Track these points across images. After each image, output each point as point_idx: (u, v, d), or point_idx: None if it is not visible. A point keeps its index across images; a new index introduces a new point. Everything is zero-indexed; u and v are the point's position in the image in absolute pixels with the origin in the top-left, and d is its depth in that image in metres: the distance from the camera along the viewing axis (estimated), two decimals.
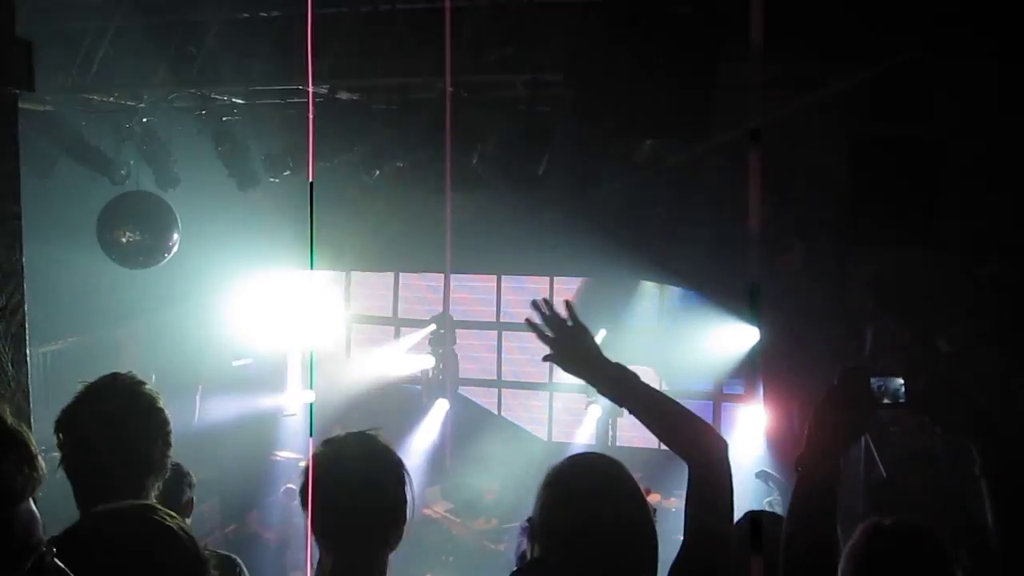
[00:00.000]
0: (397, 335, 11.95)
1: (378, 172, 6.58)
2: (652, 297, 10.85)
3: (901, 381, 2.08)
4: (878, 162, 7.87)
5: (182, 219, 7.92)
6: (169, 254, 7.62)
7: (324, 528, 2.45)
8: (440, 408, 11.05)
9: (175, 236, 7.54)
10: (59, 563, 1.52)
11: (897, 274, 8.22)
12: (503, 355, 11.67)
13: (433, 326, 11.61)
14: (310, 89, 6.51)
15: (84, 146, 7.31)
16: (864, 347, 8.43)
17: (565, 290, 11.35)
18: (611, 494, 2.33)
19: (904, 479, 6.20)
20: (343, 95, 6.49)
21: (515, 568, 2.46)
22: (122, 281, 9.21)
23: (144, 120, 7.10)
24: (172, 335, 10.44)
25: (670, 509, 10.37)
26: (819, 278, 8.66)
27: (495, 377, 11.69)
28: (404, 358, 11.67)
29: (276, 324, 11.53)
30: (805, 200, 8.16)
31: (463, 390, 11.58)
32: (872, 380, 2.07)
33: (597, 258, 9.57)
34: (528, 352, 11.51)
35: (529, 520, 2.40)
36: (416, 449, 10.55)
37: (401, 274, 11.84)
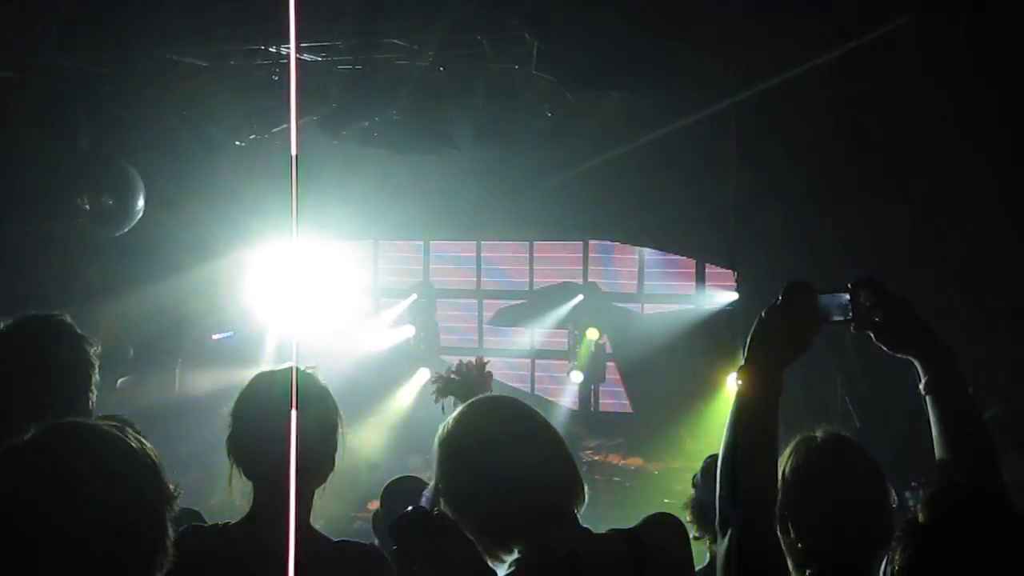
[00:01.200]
0: (377, 305, 11.90)
1: (344, 133, 6.50)
2: (631, 261, 10.78)
3: (847, 297, 2.02)
4: (852, 122, 7.85)
5: (152, 188, 7.83)
6: (134, 220, 7.55)
7: (245, 464, 2.43)
8: (421, 377, 11.00)
9: (140, 202, 7.46)
10: None
11: (873, 232, 8.19)
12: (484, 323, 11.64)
13: (414, 295, 11.56)
14: (292, 54, 6.42)
15: (45, 113, 7.21)
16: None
17: (546, 257, 11.30)
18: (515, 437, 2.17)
19: (876, 428, 6.25)
20: (305, 56, 6.41)
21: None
22: (96, 253, 9.13)
23: (106, 86, 7.01)
24: (149, 309, 10.37)
25: (653, 472, 10.41)
26: (796, 239, 8.62)
27: (476, 345, 11.64)
28: (385, 328, 11.62)
29: (256, 297, 11.47)
30: (781, 161, 8.11)
31: (444, 358, 11.52)
32: (820, 297, 2.01)
33: (576, 222, 9.53)
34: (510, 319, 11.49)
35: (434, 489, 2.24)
36: (397, 418, 10.52)
37: (380, 243, 11.77)
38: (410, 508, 1.75)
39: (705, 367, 9.16)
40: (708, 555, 3.30)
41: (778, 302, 1.95)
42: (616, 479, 9.63)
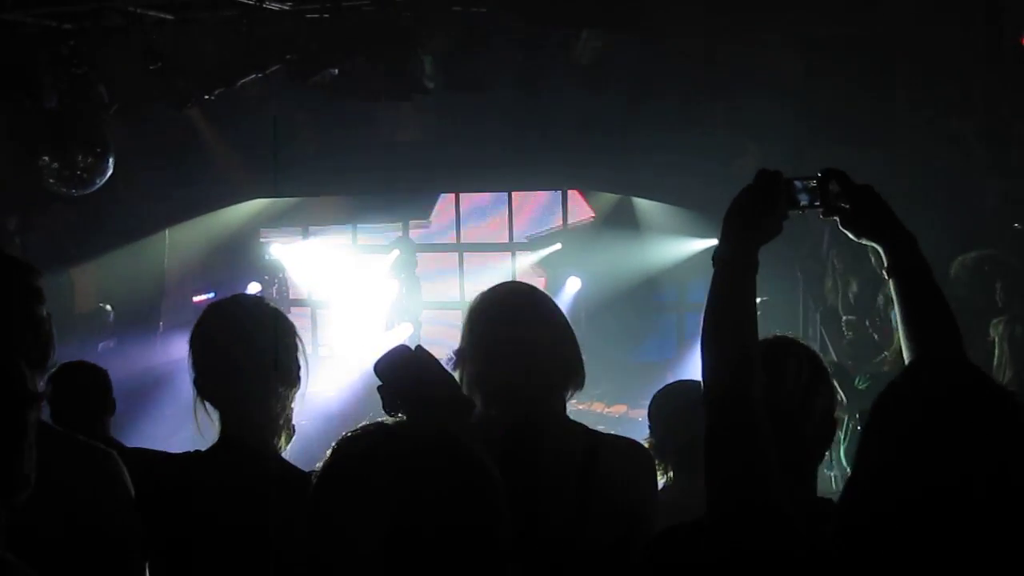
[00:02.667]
0: (358, 262, 11.86)
1: (312, 81, 6.43)
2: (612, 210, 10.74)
3: (816, 184, 2.06)
4: (829, 62, 7.81)
5: (123, 145, 7.77)
6: (104, 178, 7.47)
7: (210, 395, 2.43)
8: (404, 331, 10.99)
9: (110, 159, 7.38)
10: None
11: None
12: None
13: (396, 251, 11.52)
14: None
15: (10, 71, 7.10)
16: (822, 244, 8.43)
17: (524, 204, 11.27)
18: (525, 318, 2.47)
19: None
20: (273, 5, 6.32)
21: None
22: (69, 215, 9.08)
23: (71, 42, 6.90)
24: (127, 272, 10.32)
25: (637, 419, 10.42)
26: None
27: (458, 298, 11.62)
28: (367, 285, 11.60)
29: (237, 256, 11.44)
30: (758, 102, 8.08)
31: (427, 313, 11.53)
32: (790, 184, 2.03)
33: (552, 171, 9.48)
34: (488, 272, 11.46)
35: (456, 351, 2.51)
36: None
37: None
38: (391, 348, 1.75)
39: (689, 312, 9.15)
40: (663, 480, 3.32)
41: (750, 186, 1.98)
42: (600, 427, 9.62)
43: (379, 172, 9.74)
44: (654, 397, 3.50)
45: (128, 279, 10.35)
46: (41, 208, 8.75)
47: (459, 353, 2.48)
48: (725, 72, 8.01)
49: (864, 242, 2.07)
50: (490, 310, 2.52)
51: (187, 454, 2.49)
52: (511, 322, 2.47)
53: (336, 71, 6.38)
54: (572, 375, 2.49)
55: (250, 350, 2.40)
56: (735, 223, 1.96)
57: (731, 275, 1.91)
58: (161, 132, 8.63)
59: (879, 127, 7.88)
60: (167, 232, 10.71)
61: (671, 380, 3.61)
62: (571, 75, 7.39)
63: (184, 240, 10.94)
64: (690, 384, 3.24)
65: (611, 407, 9.83)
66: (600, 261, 10.18)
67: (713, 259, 1.94)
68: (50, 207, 8.75)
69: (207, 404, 2.48)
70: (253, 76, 6.46)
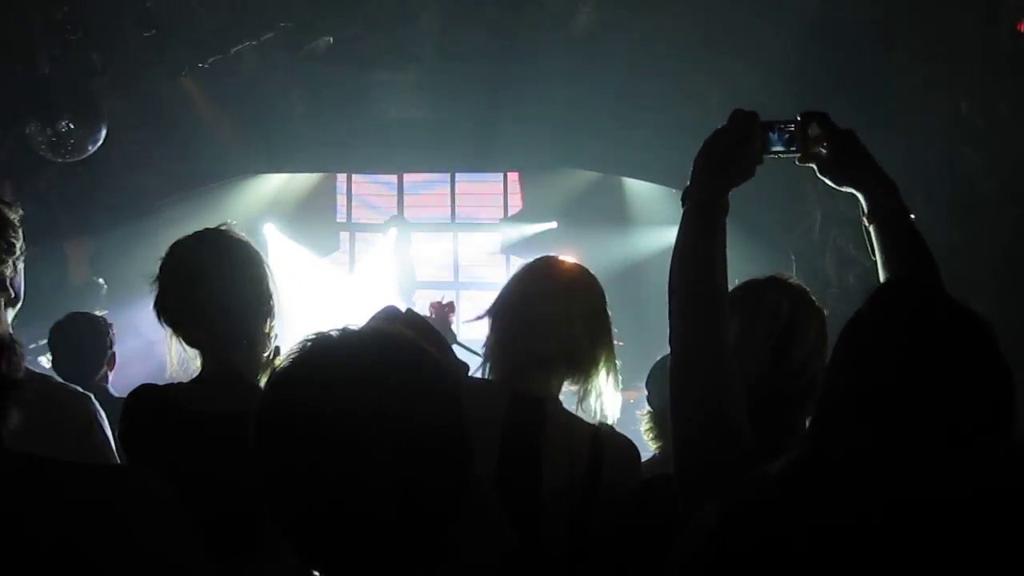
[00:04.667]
0: (352, 239, 11.82)
1: (306, 50, 6.39)
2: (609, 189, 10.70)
3: (794, 128, 2.01)
4: (828, 43, 7.78)
5: (118, 115, 7.73)
6: (95, 145, 7.41)
7: (185, 332, 2.37)
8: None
9: (102, 126, 7.33)
10: None
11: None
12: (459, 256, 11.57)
13: (394, 229, 11.47)
14: None
15: (3, 35, 7.04)
16: (815, 228, 8.40)
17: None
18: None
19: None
20: None
21: None
22: (64, 189, 9.03)
23: (65, 7, 6.85)
24: (120, 245, 10.28)
25: (628, 400, 10.35)
26: (770, 163, 8.55)
27: (452, 279, 11.60)
28: (362, 264, 11.57)
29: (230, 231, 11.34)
30: (756, 83, 8.04)
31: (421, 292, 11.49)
32: (766, 127, 2.00)
33: (549, 150, 9.43)
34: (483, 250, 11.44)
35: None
36: None
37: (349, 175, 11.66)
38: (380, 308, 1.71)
39: None
40: (654, 449, 3.27)
41: (724, 127, 1.93)
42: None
43: (373, 149, 9.70)
44: (652, 369, 3.44)
45: (121, 254, 10.31)
46: (33, 176, 8.68)
47: (488, 312, 2.52)
48: (722, 51, 7.98)
49: (845, 189, 2.03)
50: (519, 276, 2.55)
51: (171, 384, 2.39)
52: (524, 292, 2.48)
53: (331, 39, 6.34)
54: (563, 361, 2.46)
55: (220, 280, 2.34)
56: (706, 164, 1.92)
57: (700, 216, 1.88)
58: (154, 103, 8.57)
59: (876, 110, 7.85)
60: (161, 210, 10.66)
61: (658, 360, 3.54)
62: (566, 51, 7.35)
63: (180, 218, 10.88)
64: None
65: None
66: (593, 243, 10.13)
67: (683, 200, 1.91)
68: (42, 175, 8.68)
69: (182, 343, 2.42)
70: (247, 43, 6.41)
